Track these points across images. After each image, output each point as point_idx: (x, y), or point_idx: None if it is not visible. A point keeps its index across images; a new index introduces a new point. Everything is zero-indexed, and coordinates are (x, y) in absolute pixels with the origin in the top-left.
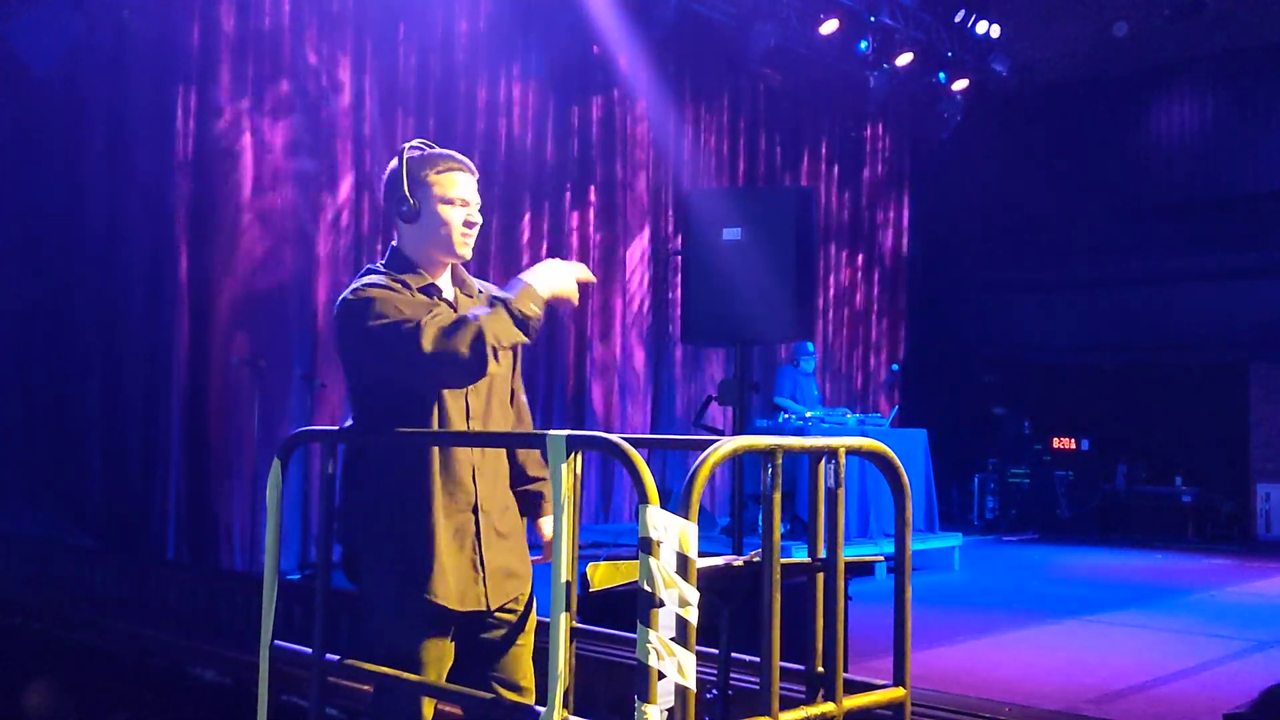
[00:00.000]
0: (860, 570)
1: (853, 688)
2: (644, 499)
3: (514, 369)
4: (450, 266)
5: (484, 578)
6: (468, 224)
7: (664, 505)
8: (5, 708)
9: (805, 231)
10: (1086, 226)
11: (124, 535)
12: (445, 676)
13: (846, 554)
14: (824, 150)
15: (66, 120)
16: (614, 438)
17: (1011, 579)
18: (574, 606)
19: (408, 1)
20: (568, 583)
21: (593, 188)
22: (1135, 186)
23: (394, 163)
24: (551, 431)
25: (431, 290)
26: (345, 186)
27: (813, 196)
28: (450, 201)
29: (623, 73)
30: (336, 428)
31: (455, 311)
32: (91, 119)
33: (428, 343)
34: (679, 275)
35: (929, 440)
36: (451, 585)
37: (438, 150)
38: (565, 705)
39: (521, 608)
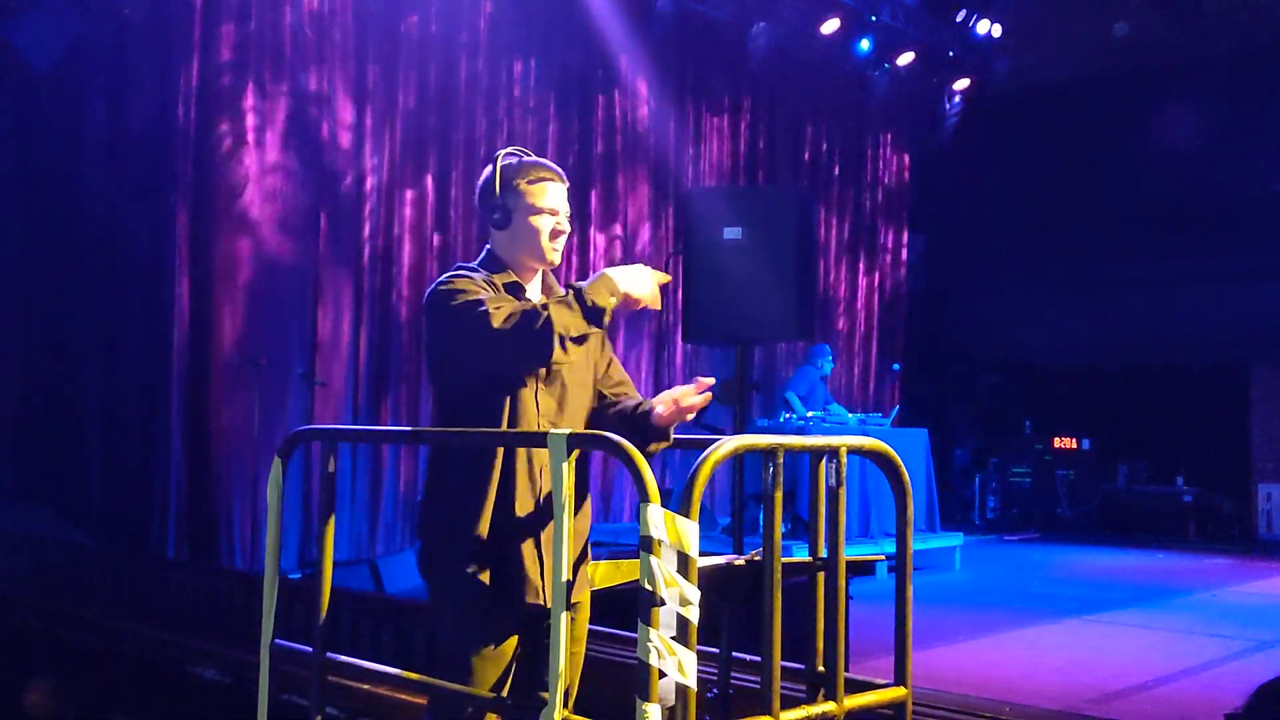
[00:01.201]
0: (861, 570)
1: (854, 687)
2: (645, 498)
3: (599, 361)
4: (539, 272)
5: (542, 579)
6: (556, 233)
7: (665, 504)
8: (5, 706)
9: (805, 232)
10: (1087, 227)
11: (124, 534)
12: (509, 672)
13: (847, 553)
14: (825, 150)
15: (67, 118)
16: (615, 437)
17: (1012, 579)
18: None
19: (409, 2)
20: (567, 582)
21: (594, 187)
22: (1136, 187)
23: (488, 170)
24: (552, 430)
25: (517, 289)
26: (346, 184)
27: (812, 197)
28: (540, 211)
29: (624, 73)
30: (336, 426)
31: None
32: (92, 116)
33: (498, 320)
34: (680, 275)
35: (930, 440)
36: (529, 576)
37: (531, 158)
38: (566, 704)
39: (582, 613)
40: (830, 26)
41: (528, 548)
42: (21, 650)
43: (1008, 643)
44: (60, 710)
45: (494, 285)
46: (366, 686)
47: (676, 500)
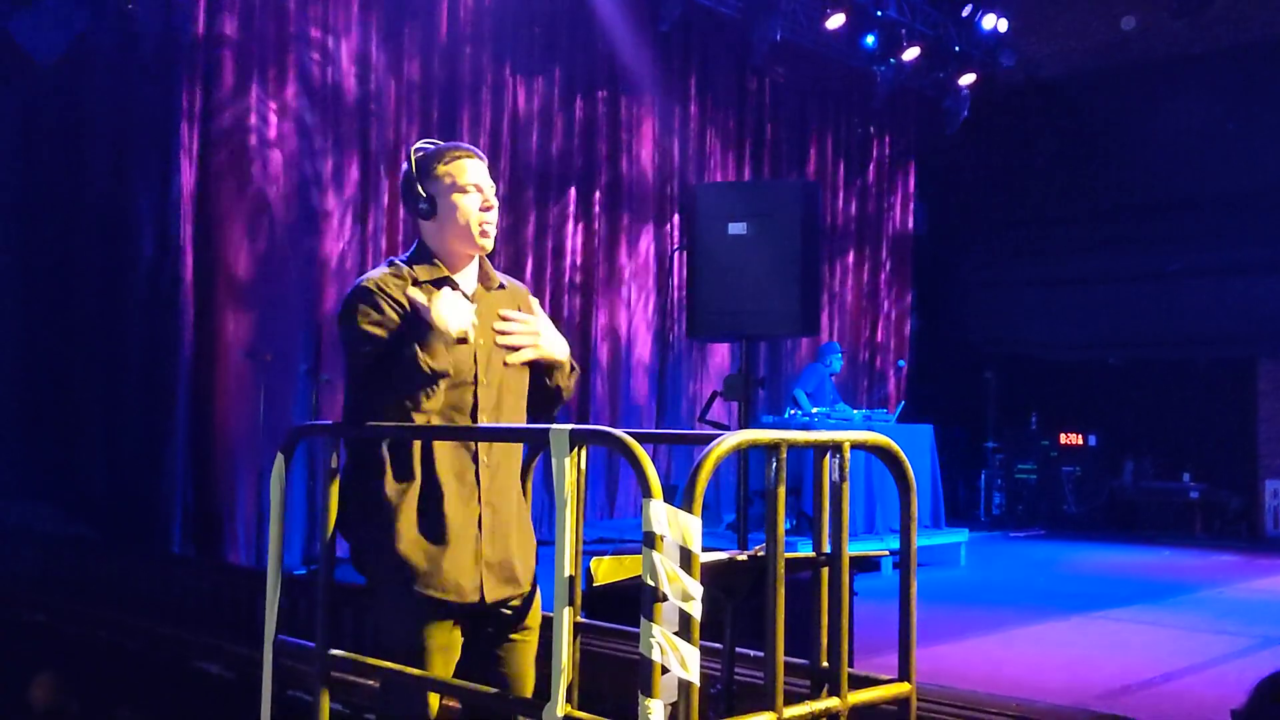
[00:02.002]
0: (866, 566)
1: (858, 683)
2: (647, 493)
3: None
4: (475, 260)
5: (482, 571)
6: (484, 208)
7: (669, 500)
8: (10, 701)
9: (810, 225)
10: (1094, 221)
11: (129, 529)
12: (454, 667)
13: (852, 549)
14: (830, 145)
15: (70, 112)
16: (617, 432)
17: (1018, 575)
18: (578, 601)
19: None
20: (571, 577)
21: (598, 182)
22: (1143, 181)
23: (405, 164)
24: (555, 426)
25: (445, 283)
26: (351, 180)
27: (817, 190)
28: (464, 189)
29: (628, 67)
30: (340, 422)
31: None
32: (95, 110)
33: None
34: (684, 270)
35: (935, 436)
36: (449, 577)
37: (444, 144)
38: (569, 700)
39: (521, 603)
40: (835, 21)
41: (456, 541)
42: (26, 645)
43: (1013, 639)
44: (64, 705)
45: (415, 279)
46: (371, 682)
47: (679, 495)
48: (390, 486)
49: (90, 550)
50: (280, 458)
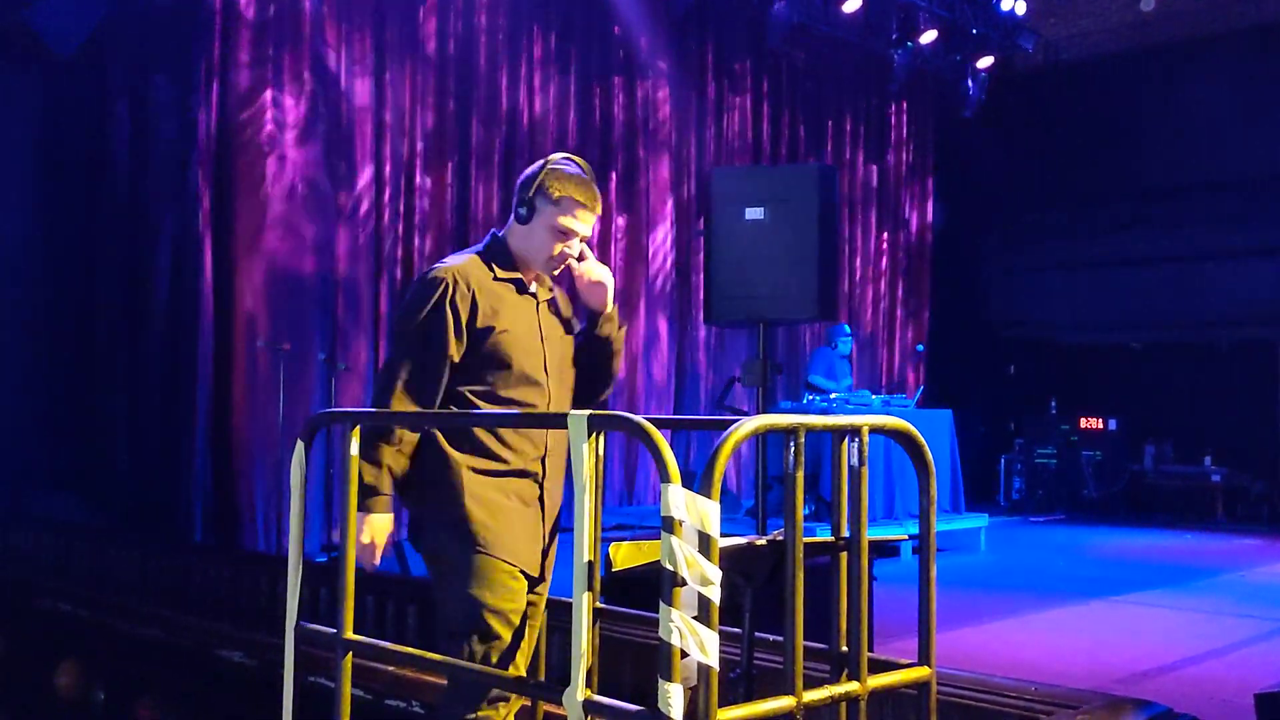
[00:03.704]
0: (885, 551)
1: (877, 667)
2: (665, 478)
3: (571, 319)
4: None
5: (540, 549)
6: (564, 255)
7: (687, 486)
8: (36, 688)
9: (828, 210)
10: (1114, 204)
11: (151, 519)
12: (523, 633)
13: (871, 534)
14: (848, 130)
15: (89, 104)
16: (635, 418)
17: (1038, 560)
18: (597, 587)
19: None
20: (590, 563)
21: (615, 168)
22: (1163, 164)
23: (537, 165)
24: (573, 411)
25: (520, 285)
26: (366, 171)
27: (835, 174)
28: (564, 233)
29: (644, 52)
30: (359, 409)
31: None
32: (114, 102)
33: (385, 396)
34: (702, 256)
35: (955, 420)
36: (520, 550)
37: (578, 176)
38: (589, 684)
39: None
40: (852, 5)
41: (525, 527)
42: (51, 633)
43: (1033, 624)
44: (88, 692)
45: (496, 276)
46: (392, 668)
47: (698, 481)
48: (466, 469)
49: (113, 540)
50: (300, 445)
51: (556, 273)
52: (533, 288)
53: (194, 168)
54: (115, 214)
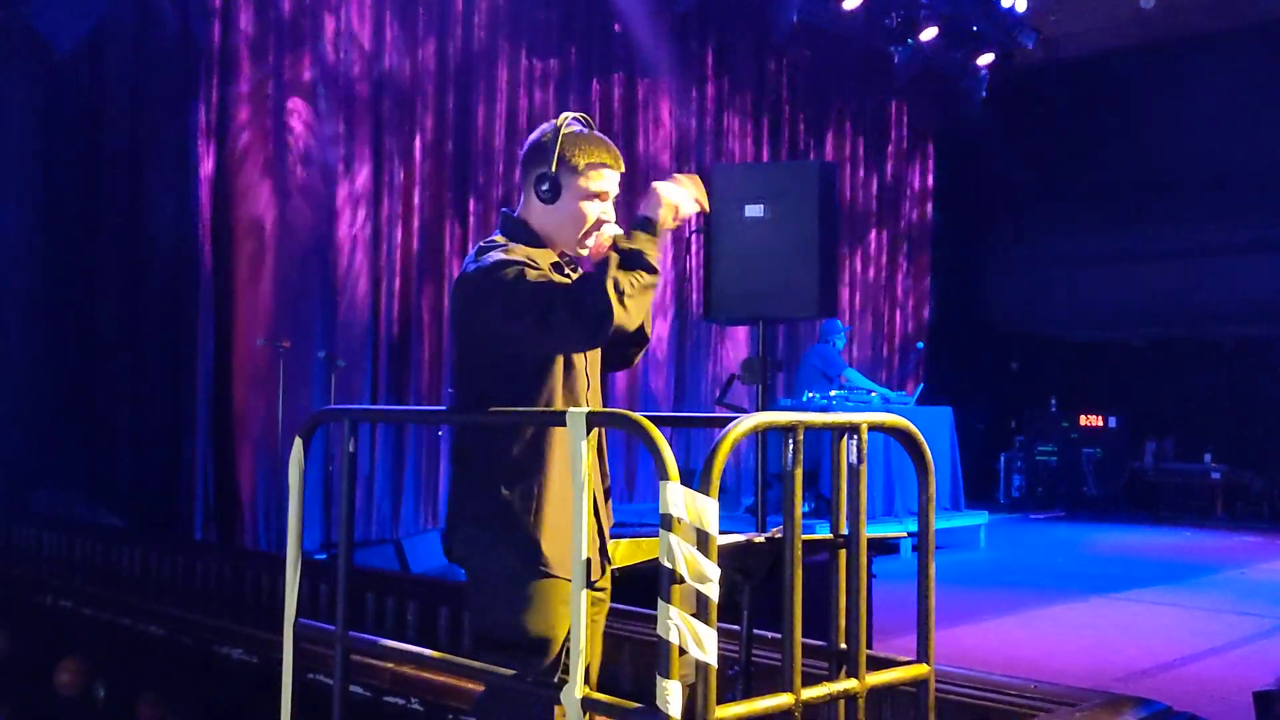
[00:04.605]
0: (885, 548)
1: (876, 664)
2: (663, 476)
3: None
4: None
5: (600, 552)
6: (600, 222)
7: (686, 483)
8: (37, 684)
9: (828, 207)
10: (1115, 201)
11: (152, 516)
12: (564, 649)
13: (870, 531)
14: (849, 127)
15: (89, 100)
16: (634, 415)
17: (1038, 557)
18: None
19: None
20: (588, 560)
21: None
22: (1164, 160)
23: (547, 132)
24: (571, 410)
25: (560, 267)
26: (366, 167)
27: (835, 171)
28: (592, 196)
29: (645, 49)
30: (358, 406)
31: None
32: (114, 99)
33: (567, 302)
34: (702, 253)
35: (955, 418)
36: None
37: (596, 134)
38: (587, 681)
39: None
40: (852, 1)
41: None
42: (52, 631)
43: (1033, 621)
44: (90, 688)
45: (535, 264)
46: (391, 665)
47: (696, 478)
48: (535, 476)
49: (114, 537)
50: (299, 442)
51: (589, 248)
52: (565, 270)
53: (193, 165)
54: (115, 213)
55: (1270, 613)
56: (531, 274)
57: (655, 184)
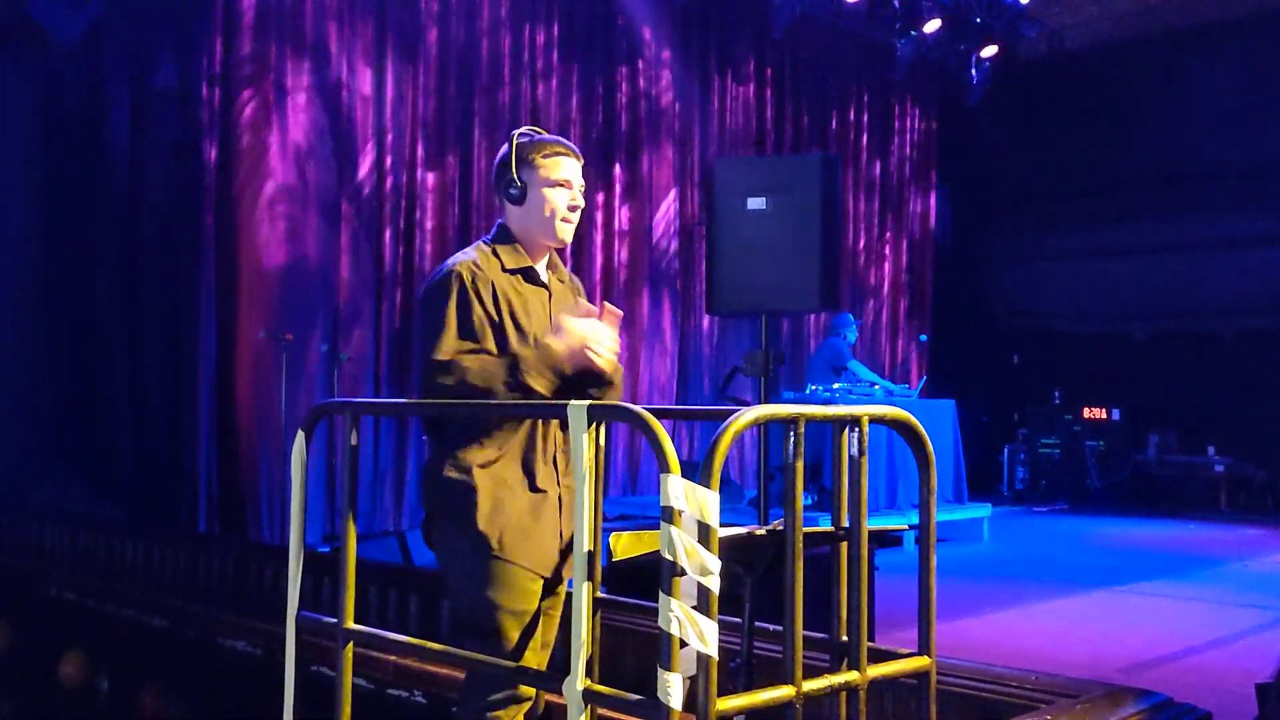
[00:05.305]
0: (887, 541)
1: (877, 656)
2: (665, 468)
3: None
4: (549, 251)
5: (559, 548)
6: (571, 207)
7: (689, 476)
8: (41, 677)
9: (830, 200)
10: (1118, 193)
11: (155, 509)
12: (533, 633)
13: (872, 524)
14: (851, 120)
15: (91, 90)
16: (635, 408)
17: (1041, 550)
18: (598, 577)
19: None
20: (590, 553)
21: (618, 159)
22: (1167, 152)
23: (504, 148)
24: (573, 402)
25: (530, 274)
26: (368, 159)
27: (838, 164)
28: (555, 184)
29: (648, 43)
30: (360, 399)
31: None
32: (114, 91)
33: (444, 376)
34: (704, 246)
35: (958, 411)
36: (534, 553)
37: (546, 135)
38: (589, 674)
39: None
40: None
41: (540, 516)
42: (56, 622)
43: (1036, 614)
44: (93, 681)
45: (504, 268)
46: (393, 657)
47: (698, 471)
48: (482, 466)
49: (118, 530)
50: (301, 435)
51: (570, 233)
52: (544, 275)
53: (195, 157)
54: (116, 206)
55: (1273, 605)
56: (451, 304)
57: (566, 320)
